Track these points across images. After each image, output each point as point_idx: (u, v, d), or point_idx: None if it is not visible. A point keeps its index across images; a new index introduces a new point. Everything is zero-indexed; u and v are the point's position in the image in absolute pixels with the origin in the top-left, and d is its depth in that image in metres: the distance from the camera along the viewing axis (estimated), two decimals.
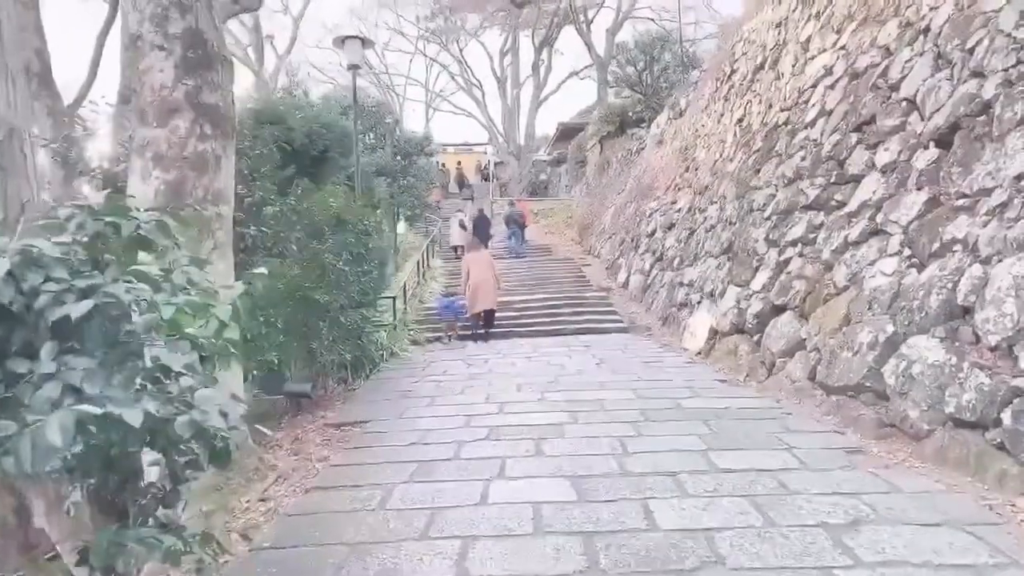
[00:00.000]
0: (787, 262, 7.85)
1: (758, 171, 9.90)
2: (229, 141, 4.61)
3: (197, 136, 4.38)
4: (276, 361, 7.64)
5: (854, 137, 7.38)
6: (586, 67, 36.22)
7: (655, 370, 8.08)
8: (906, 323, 5.31)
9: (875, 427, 5.19)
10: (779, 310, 7.63)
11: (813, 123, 8.60)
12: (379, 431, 5.77)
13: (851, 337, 5.98)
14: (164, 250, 2.87)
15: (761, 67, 11.95)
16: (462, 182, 30.12)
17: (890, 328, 5.50)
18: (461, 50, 38.70)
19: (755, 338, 7.93)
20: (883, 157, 6.69)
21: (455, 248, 20.40)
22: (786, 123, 9.63)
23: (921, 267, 5.56)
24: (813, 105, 8.84)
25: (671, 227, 13.92)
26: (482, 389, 7.25)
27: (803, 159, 8.46)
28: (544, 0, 35.43)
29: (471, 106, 40.73)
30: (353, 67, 10.81)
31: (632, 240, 16.41)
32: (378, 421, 6.10)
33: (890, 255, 6.06)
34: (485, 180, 32.90)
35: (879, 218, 6.39)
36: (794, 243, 7.85)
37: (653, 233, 14.83)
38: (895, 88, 6.97)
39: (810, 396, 6.24)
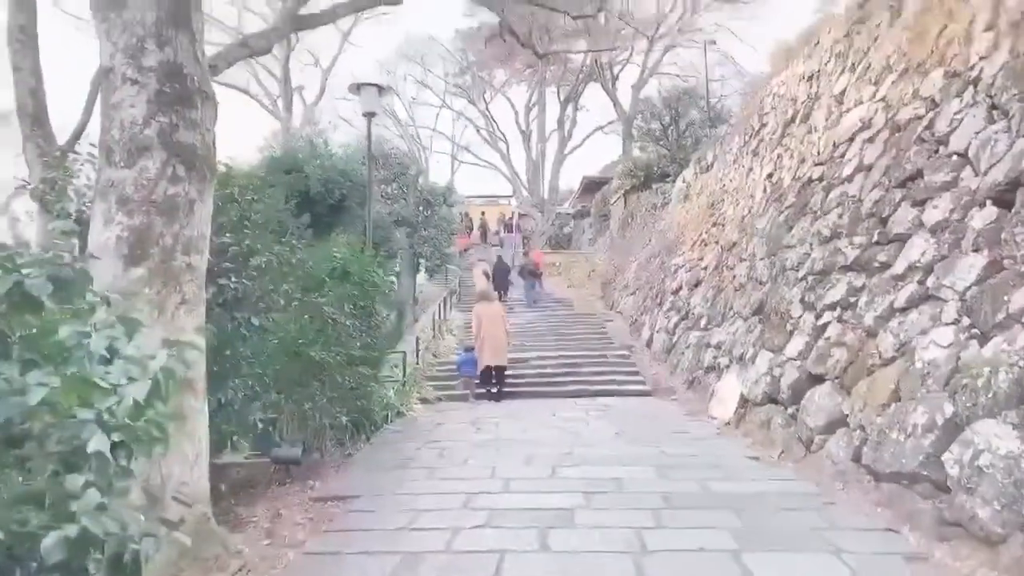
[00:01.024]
0: (825, 327, 7.20)
1: (791, 228, 9.32)
2: (206, 185, 4.17)
3: (168, 178, 3.94)
4: (268, 422, 7.13)
5: (898, 194, 6.80)
6: (611, 122, 36.29)
7: (680, 443, 7.38)
8: (969, 404, 4.63)
9: (936, 525, 4.46)
10: (817, 380, 6.94)
11: (851, 178, 8.04)
12: (368, 509, 5.16)
13: (902, 416, 5.29)
14: (82, 311, 2.38)
15: (792, 121, 11.48)
16: (485, 233, 29.91)
17: (949, 409, 4.81)
18: (487, 104, 39.02)
19: (790, 410, 7.22)
20: (932, 215, 6.09)
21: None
22: (820, 178, 9.09)
23: (984, 339, 4.89)
24: (850, 160, 8.30)
25: (697, 284, 13.31)
26: (488, 460, 6.61)
27: (840, 216, 7.87)
28: (569, 56, 35.80)
29: (496, 159, 40.93)
30: (369, 114, 10.56)
31: (656, 297, 15.80)
32: (369, 496, 5.48)
33: (945, 324, 5.40)
34: (508, 232, 32.63)
35: (930, 282, 5.76)
36: (832, 307, 7.21)
37: (678, 290, 14.22)
38: (943, 142, 6.41)
39: (856, 482, 5.52)
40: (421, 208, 24.09)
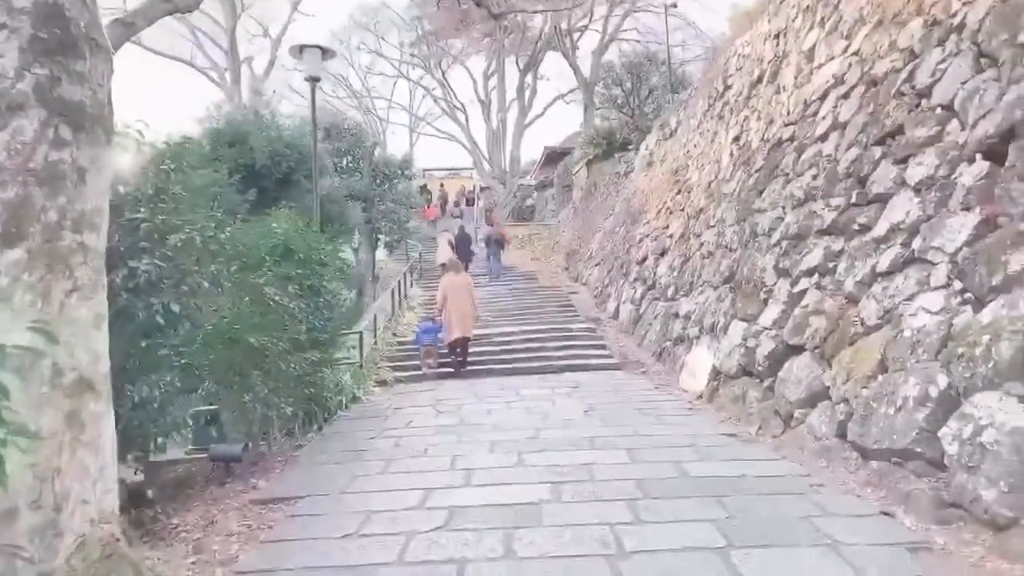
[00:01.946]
0: (802, 295, 6.82)
1: (761, 192, 8.93)
2: (101, 150, 3.53)
3: (50, 142, 3.30)
4: (205, 416, 6.55)
5: (877, 151, 6.40)
6: (572, 90, 35.59)
7: (652, 420, 6.98)
8: (967, 375, 4.26)
9: (934, 507, 4.11)
10: (795, 351, 6.58)
11: (825, 137, 7.63)
12: (313, 512, 4.63)
13: (890, 388, 4.93)
14: None
15: (758, 81, 11.06)
16: (444, 204, 29.32)
17: (943, 380, 4.45)
18: (444, 72, 37.97)
19: (766, 383, 6.86)
20: (916, 173, 5.70)
21: (443, 266, 19.58)
22: (791, 139, 8.68)
23: (979, 304, 4.53)
24: (823, 118, 7.89)
25: (663, 253, 12.93)
26: (449, 448, 6.12)
27: (815, 177, 7.48)
28: (528, 23, 34.89)
29: (455, 130, 39.96)
30: (312, 79, 9.80)
31: (622, 267, 15.41)
32: (315, 496, 4.95)
33: (934, 288, 5.03)
34: (469, 205, 31.95)
35: (916, 244, 5.38)
36: (809, 273, 6.83)
37: (644, 260, 13.83)
38: (925, 95, 6.01)
39: (841, 459, 5.17)
40: (378, 181, 23.27)
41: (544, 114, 37.61)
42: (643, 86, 22.12)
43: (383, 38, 38.99)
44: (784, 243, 7.55)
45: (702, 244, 10.79)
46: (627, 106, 22.28)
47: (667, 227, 13.37)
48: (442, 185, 31.10)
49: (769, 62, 10.73)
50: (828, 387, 5.82)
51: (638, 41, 30.06)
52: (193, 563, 3.83)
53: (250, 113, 14.20)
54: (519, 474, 5.18)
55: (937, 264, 5.10)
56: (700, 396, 8.18)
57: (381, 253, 26.07)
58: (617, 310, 14.39)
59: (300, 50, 9.54)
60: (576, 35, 32.16)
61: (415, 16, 38.14)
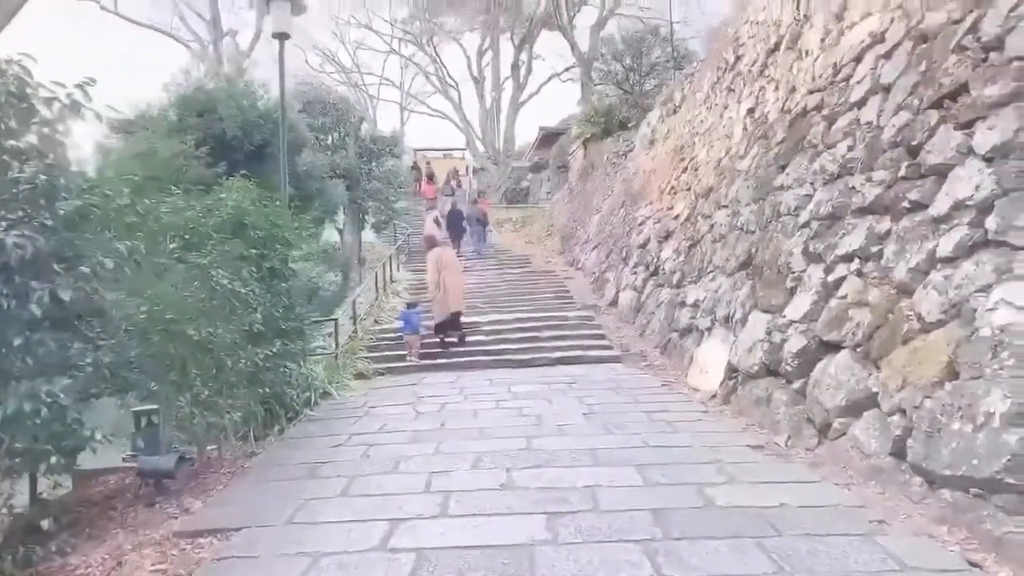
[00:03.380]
0: (839, 283, 5.88)
1: (783, 168, 7.96)
2: None
3: None
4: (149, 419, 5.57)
5: (933, 115, 5.42)
6: (568, 68, 34.41)
7: (662, 426, 6.05)
8: None
9: None
10: (831, 348, 5.65)
11: (862, 102, 6.65)
12: (248, 552, 3.68)
13: (966, 400, 4.00)
14: None
15: (775, 49, 10.03)
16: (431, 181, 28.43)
17: None
18: (435, 47, 36.69)
19: (796, 385, 5.93)
20: (988, 139, 4.73)
21: (429, 240, 18.74)
22: (819, 107, 7.70)
23: None
24: (859, 82, 6.90)
25: (667, 237, 11.97)
26: (425, 462, 5.18)
27: (851, 148, 6.51)
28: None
29: (448, 109, 38.69)
30: (281, 35, 8.73)
31: (621, 251, 14.44)
32: (255, 529, 4.00)
33: (1019, 277, 4.10)
34: (460, 187, 30.83)
35: (991, 224, 4.44)
36: (847, 258, 5.88)
37: (646, 244, 12.86)
38: (995, 47, 5.03)
39: (900, 484, 4.25)
40: (364, 159, 22.16)
41: (539, 92, 36.22)
42: (644, 61, 21.03)
43: (373, 12, 37.62)
44: (815, 224, 6.59)
45: (712, 226, 9.83)
46: (627, 82, 21.21)
47: (671, 208, 12.40)
48: (429, 163, 30.00)
49: (788, 27, 9.70)
50: (876, 393, 4.89)
51: (639, 17, 28.88)
52: None
53: (222, 79, 13.10)
54: (507, 501, 4.23)
55: (1021, 248, 4.16)
56: (714, 396, 7.25)
57: (369, 235, 25.04)
58: (616, 297, 13.44)
59: (267, 3, 8.48)
60: (574, 11, 30.94)
61: None
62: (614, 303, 13.44)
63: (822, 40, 8.38)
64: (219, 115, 11.96)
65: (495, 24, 34.69)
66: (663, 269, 11.43)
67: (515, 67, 34.55)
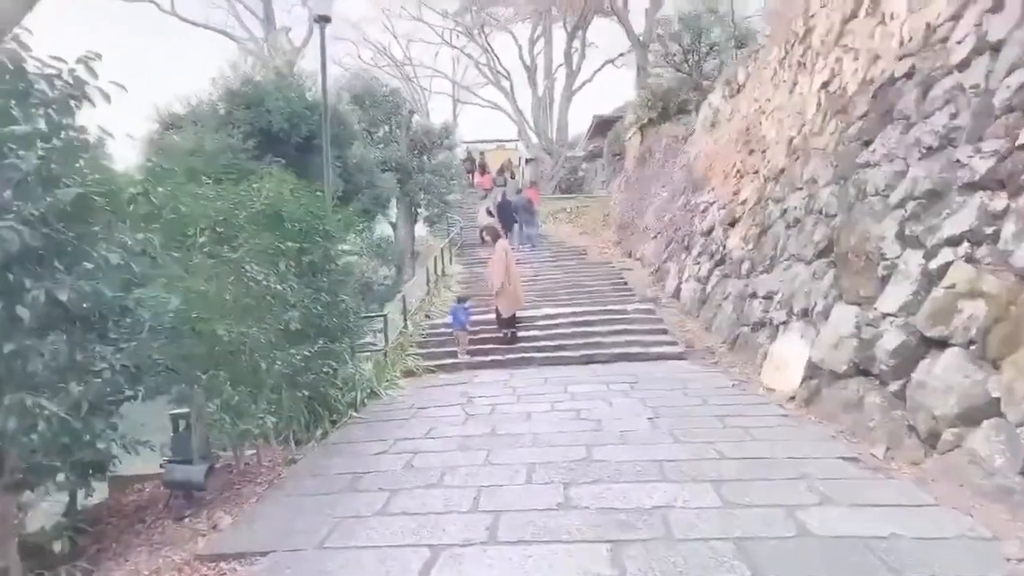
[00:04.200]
0: (943, 270, 5.12)
1: (868, 143, 7.16)
2: None
3: None
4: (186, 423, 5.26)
5: None
6: (622, 54, 33.40)
7: (739, 434, 5.40)
8: None
9: None
10: (936, 345, 4.91)
11: (965, 64, 5.83)
12: None
13: None
14: None
15: (852, 16, 9.16)
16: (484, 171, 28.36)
17: None
18: (486, 37, 36.18)
19: (893, 387, 5.21)
20: None
21: (483, 232, 18.47)
22: (909, 74, 6.87)
23: None
24: (960, 42, 6.08)
25: (733, 223, 11.20)
26: (473, 473, 4.69)
27: (953, 116, 5.71)
28: None
29: (500, 99, 38.15)
30: (322, 19, 8.36)
31: (682, 240, 13.69)
32: (282, 553, 3.58)
33: None
34: (513, 178, 30.35)
35: None
36: (954, 241, 5.11)
37: (710, 231, 12.10)
38: None
39: None
40: (416, 151, 21.88)
41: (592, 80, 35.25)
42: (703, 41, 20.04)
43: (424, 3, 37.33)
44: (910, 204, 5.81)
45: (785, 211, 9.05)
46: (685, 64, 20.27)
47: (737, 193, 11.61)
48: (482, 154, 29.63)
49: None
50: (998, 399, 4.16)
51: None
52: None
53: (270, 72, 12.89)
54: (565, 523, 3.69)
55: None
56: (793, 398, 6.55)
57: (421, 229, 24.79)
58: (678, 289, 12.72)
59: None
60: None
61: None
62: (676, 295, 12.73)
63: (909, 1, 7.52)
64: (266, 107, 11.73)
65: (547, 12, 33.97)
66: (730, 258, 10.68)
67: (568, 55, 33.78)
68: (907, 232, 5.71)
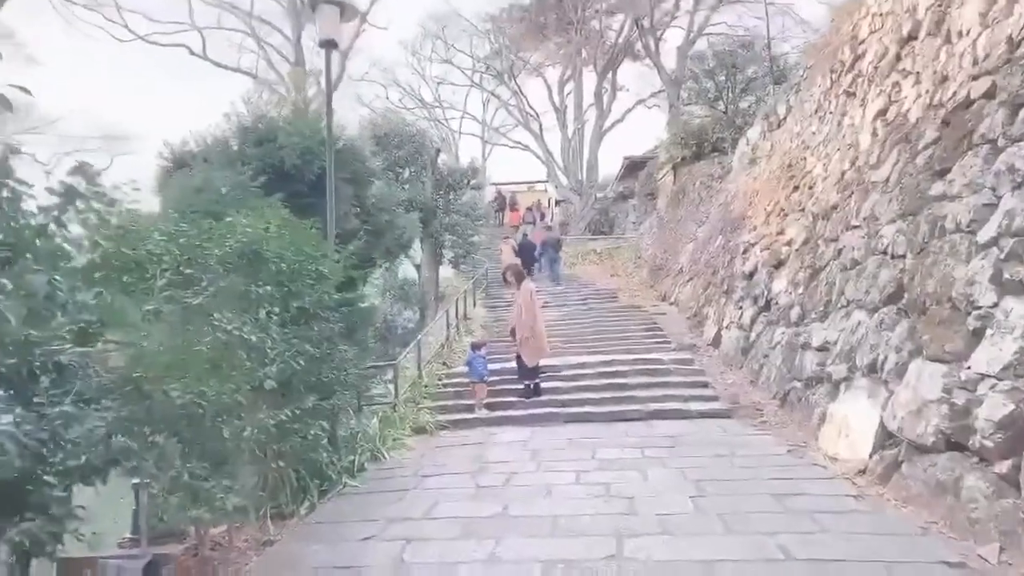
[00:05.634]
0: None
1: (943, 174, 6.22)
2: None
3: None
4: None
5: None
6: (654, 94, 32.91)
7: (804, 523, 4.40)
8: None
9: None
10: None
11: None
12: None
13: None
14: None
15: (912, 37, 8.31)
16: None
17: None
18: (515, 78, 35.99)
19: (1001, 468, 4.18)
20: None
21: (507, 272, 17.75)
22: (990, 94, 5.96)
23: None
24: None
25: (779, 265, 10.23)
26: (475, 573, 3.75)
27: None
28: (607, 27, 32.62)
29: (529, 141, 37.80)
30: (328, 43, 7.77)
31: (721, 283, 12.72)
32: None
33: None
34: (543, 219, 29.68)
35: None
36: None
37: (752, 274, 11.13)
38: None
39: None
40: (442, 191, 21.34)
41: (623, 120, 34.68)
42: (739, 77, 19.34)
43: (454, 46, 37.42)
44: (1006, 241, 4.85)
45: (840, 251, 8.09)
46: (720, 100, 19.55)
47: (782, 232, 10.67)
48: (513, 194, 29.21)
49: (928, 9, 7.99)
50: None
51: (728, 35, 27.16)
52: None
53: (285, 108, 12.40)
54: None
55: None
56: (863, 471, 5.51)
57: (447, 270, 24.16)
58: (718, 336, 11.70)
59: (313, 7, 7.54)
60: (659, 32, 29.55)
61: (488, 28, 36.56)
62: (716, 343, 11.71)
63: (983, 15, 6.65)
64: (279, 144, 11.17)
65: (577, 51, 33.73)
66: (776, 303, 9.69)
67: (598, 95, 33.36)
68: (1005, 276, 4.73)
